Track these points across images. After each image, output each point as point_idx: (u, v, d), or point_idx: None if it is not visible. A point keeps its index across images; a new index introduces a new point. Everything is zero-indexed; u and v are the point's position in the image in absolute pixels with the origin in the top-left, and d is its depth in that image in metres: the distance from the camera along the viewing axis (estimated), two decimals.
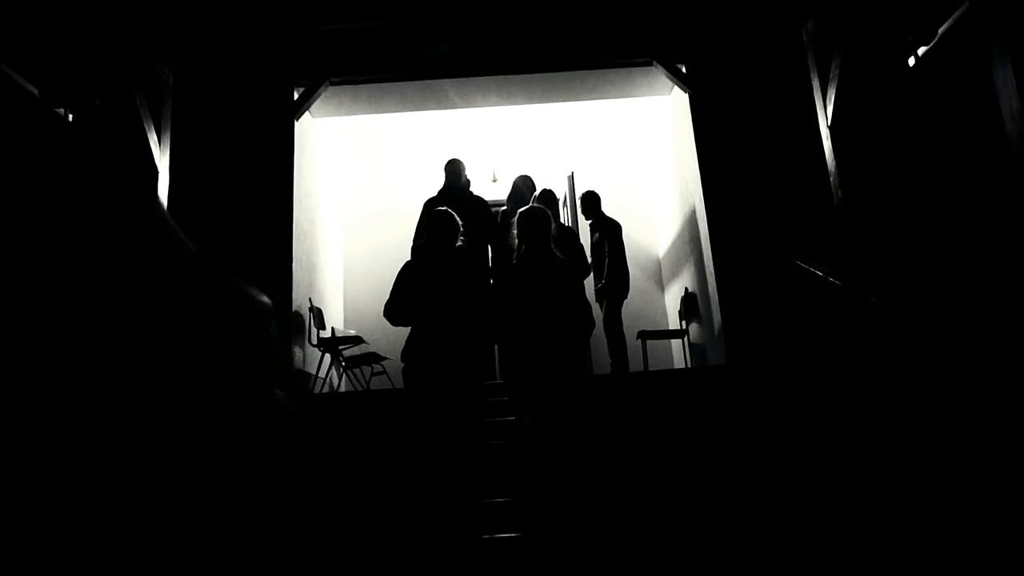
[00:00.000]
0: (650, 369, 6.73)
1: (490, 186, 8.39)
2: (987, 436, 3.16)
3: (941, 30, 4.09)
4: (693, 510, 3.62)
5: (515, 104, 7.77)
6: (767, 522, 3.40)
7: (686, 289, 7.25)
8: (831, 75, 4.55)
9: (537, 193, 5.72)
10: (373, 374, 7.06)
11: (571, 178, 7.49)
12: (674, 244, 7.83)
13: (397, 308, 3.66)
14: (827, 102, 4.62)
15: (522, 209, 3.90)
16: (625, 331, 6.26)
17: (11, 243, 0.76)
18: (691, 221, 6.84)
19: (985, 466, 3.08)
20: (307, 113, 6.88)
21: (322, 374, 6.81)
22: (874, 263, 4.26)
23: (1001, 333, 3.36)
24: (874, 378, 3.97)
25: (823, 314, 4.75)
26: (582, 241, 5.90)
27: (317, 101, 6.66)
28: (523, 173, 6.06)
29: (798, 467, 3.71)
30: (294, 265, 6.13)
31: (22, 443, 0.74)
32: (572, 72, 6.89)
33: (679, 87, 6.50)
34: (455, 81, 6.92)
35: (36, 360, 0.76)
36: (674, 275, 7.90)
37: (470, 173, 5.86)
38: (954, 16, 3.94)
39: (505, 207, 5.69)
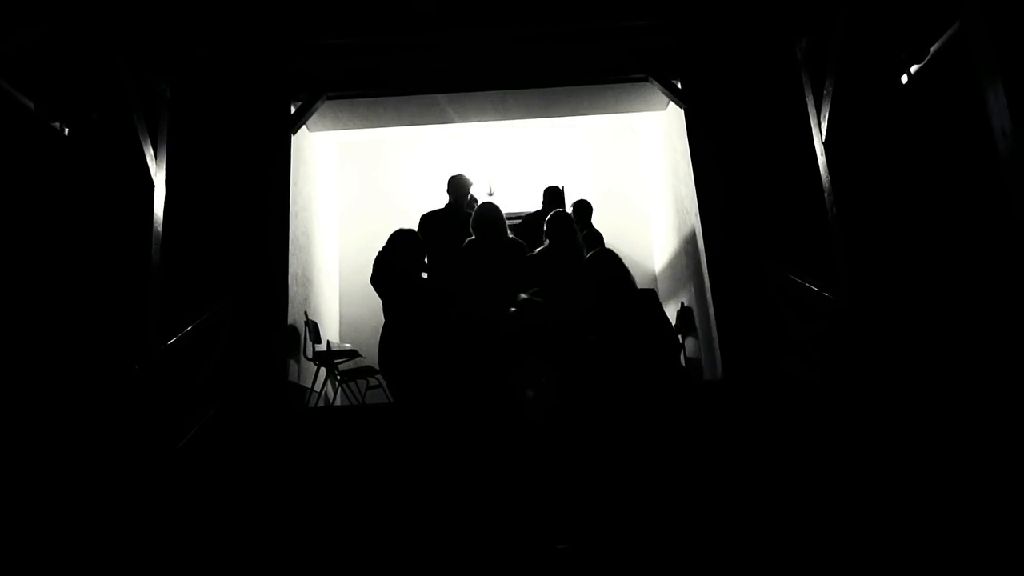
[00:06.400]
0: None
1: (484, 199, 8.40)
2: (985, 452, 3.16)
3: (933, 48, 4.13)
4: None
5: (512, 119, 7.81)
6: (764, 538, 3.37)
7: (682, 304, 7.25)
8: (825, 92, 4.58)
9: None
10: (368, 388, 7.05)
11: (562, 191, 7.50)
12: (670, 259, 7.84)
13: None
14: (821, 119, 4.65)
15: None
16: None
17: (7, 249, 0.76)
18: (687, 236, 6.86)
19: (984, 488, 3.07)
20: (304, 127, 6.90)
21: (317, 388, 6.79)
22: (868, 278, 4.28)
23: (996, 346, 3.36)
24: (866, 392, 3.97)
25: (818, 330, 4.76)
26: None
27: (314, 115, 6.68)
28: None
29: (788, 481, 3.69)
30: (290, 279, 6.12)
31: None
32: (569, 88, 6.94)
33: (675, 103, 6.54)
34: (452, 96, 6.96)
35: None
36: (670, 290, 7.90)
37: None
38: (946, 35, 3.98)
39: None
